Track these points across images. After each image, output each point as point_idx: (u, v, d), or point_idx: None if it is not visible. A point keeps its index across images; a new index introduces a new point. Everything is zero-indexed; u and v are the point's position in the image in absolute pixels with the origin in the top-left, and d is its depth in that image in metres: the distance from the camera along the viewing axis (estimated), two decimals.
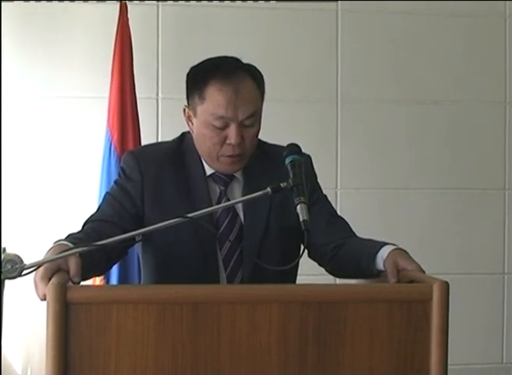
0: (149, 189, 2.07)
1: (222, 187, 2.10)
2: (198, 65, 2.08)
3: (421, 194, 3.88)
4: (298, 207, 1.77)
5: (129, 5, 3.43)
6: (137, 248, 2.22)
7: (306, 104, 3.79)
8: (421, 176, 3.89)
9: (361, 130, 3.84)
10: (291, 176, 1.82)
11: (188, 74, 2.09)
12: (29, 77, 3.61)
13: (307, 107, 3.78)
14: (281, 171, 1.89)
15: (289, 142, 2.00)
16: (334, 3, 3.80)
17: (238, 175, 2.12)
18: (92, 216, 2.06)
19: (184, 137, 2.17)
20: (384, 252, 1.90)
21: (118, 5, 3.42)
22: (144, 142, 3.36)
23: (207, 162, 2.10)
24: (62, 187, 3.60)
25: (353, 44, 3.83)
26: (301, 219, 1.75)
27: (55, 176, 3.60)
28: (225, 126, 2.00)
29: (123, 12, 3.42)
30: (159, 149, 2.17)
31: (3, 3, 3.36)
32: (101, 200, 2.18)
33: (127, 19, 3.42)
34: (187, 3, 3.69)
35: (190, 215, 1.71)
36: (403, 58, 3.88)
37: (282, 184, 1.79)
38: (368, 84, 3.84)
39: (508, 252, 3.94)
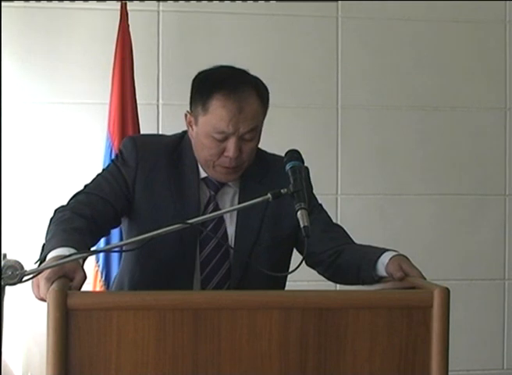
0: (142, 177, 2.08)
1: (213, 193, 2.11)
2: (205, 72, 2.08)
3: (422, 200, 3.88)
4: (299, 213, 1.76)
5: (130, 12, 3.44)
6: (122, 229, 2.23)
7: (306, 110, 3.79)
8: (422, 182, 3.89)
9: (362, 137, 3.84)
10: (291, 181, 1.82)
11: (194, 80, 2.09)
12: (29, 83, 3.61)
13: (307, 113, 3.78)
14: (278, 180, 1.91)
15: (289, 148, 2.01)
16: (334, 9, 3.81)
17: (231, 183, 2.13)
18: (89, 186, 2.11)
19: (184, 136, 2.17)
20: (385, 258, 1.91)
21: (119, 12, 3.42)
22: None
23: (202, 168, 2.11)
24: (62, 193, 3.57)
25: (354, 51, 3.84)
26: (302, 226, 1.74)
27: (55, 182, 3.60)
28: (225, 139, 2.01)
29: (124, 18, 3.42)
30: (159, 142, 2.18)
31: (3, 3, 3.37)
32: None
33: (128, 25, 3.43)
34: (188, 9, 3.70)
35: (190, 221, 1.71)
36: (403, 65, 3.88)
37: (282, 190, 1.79)
38: (368, 91, 3.85)
39: (509, 258, 3.94)
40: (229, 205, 2.10)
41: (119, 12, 3.43)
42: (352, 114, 3.84)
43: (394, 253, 1.92)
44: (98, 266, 3.29)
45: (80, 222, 1.92)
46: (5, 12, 3.40)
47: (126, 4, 3.45)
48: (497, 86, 3.94)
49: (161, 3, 3.69)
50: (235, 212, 2.09)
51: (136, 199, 2.08)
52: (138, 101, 3.42)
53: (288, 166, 1.87)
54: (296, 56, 3.79)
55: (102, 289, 3.25)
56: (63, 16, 3.62)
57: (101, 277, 3.31)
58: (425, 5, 3.85)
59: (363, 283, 2.01)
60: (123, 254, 2.26)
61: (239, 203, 2.08)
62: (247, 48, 3.70)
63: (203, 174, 2.11)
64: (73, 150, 3.62)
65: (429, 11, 3.86)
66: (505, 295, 3.94)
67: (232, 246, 2.07)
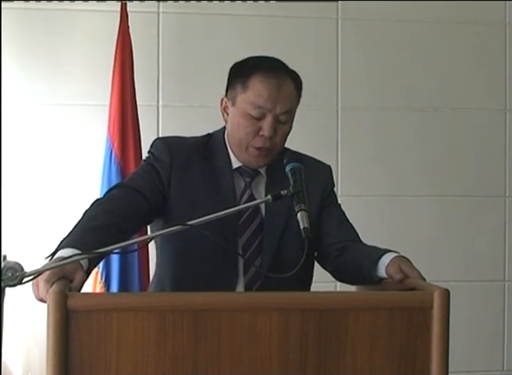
0: (177, 172, 2.12)
1: (248, 179, 2.16)
2: (242, 60, 2.19)
3: (422, 202, 3.88)
4: (298, 214, 1.78)
5: (130, 13, 3.44)
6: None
7: (306, 111, 3.78)
8: (422, 183, 3.89)
9: (362, 138, 3.84)
10: (291, 183, 1.85)
11: (232, 67, 2.18)
12: (30, 85, 3.61)
13: (307, 115, 3.77)
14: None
15: (289, 150, 2.02)
16: (334, 10, 3.81)
17: (262, 171, 2.17)
18: (123, 181, 2.16)
19: (212, 135, 2.24)
20: (386, 259, 1.91)
21: (119, 13, 3.42)
22: (144, 150, 3.37)
23: (234, 154, 2.16)
24: (62, 195, 3.60)
25: (354, 52, 3.84)
26: (301, 227, 1.76)
27: (55, 184, 3.60)
28: (261, 118, 2.07)
29: (124, 19, 3.43)
30: (188, 140, 2.23)
31: (3, 4, 3.37)
32: None
33: (128, 26, 3.43)
34: (188, 10, 3.70)
35: (190, 222, 1.71)
36: (403, 66, 3.88)
37: (282, 192, 1.81)
38: (368, 92, 3.85)
39: (509, 259, 3.94)
40: (264, 194, 2.15)
41: (118, 14, 3.44)
42: (352, 115, 3.84)
43: (395, 254, 1.92)
44: (98, 268, 3.28)
45: (104, 218, 1.91)
46: (5, 13, 3.41)
47: (126, 5, 3.45)
48: (497, 87, 3.94)
49: (161, 4, 3.70)
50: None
51: (172, 196, 2.10)
52: (138, 103, 3.42)
53: (288, 168, 1.89)
54: (296, 57, 3.76)
55: (102, 290, 3.25)
56: (63, 17, 3.62)
57: (101, 279, 3.31)
58: (425, 6, 3.85)
59: (363, 284, 2.02)
60: (159, 258, 2.24)
61: (266, 191, 2.13)
62: (247, 49, 3.64)
63: (235, 165, 2.16)
64: (73, 152, 3.62)
65: (429, 12, 3.86)
66: (505, 296, 3.94)
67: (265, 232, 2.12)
